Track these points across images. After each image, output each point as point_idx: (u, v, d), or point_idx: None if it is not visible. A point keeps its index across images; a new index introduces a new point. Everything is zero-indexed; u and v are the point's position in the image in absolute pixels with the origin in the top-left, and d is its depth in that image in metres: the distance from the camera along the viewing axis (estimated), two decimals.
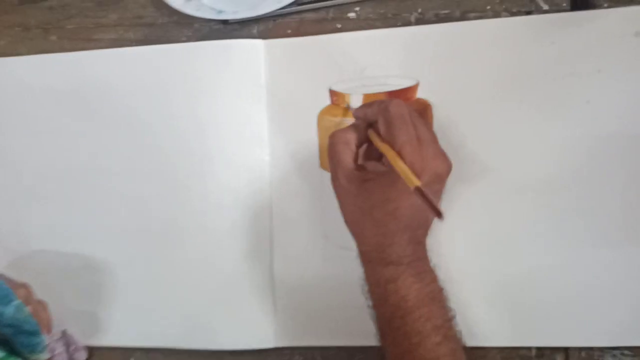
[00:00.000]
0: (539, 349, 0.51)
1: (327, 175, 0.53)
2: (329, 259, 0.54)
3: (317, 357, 0.54)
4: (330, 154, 0.47)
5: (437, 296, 0.45)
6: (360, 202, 0.45)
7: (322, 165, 0.54)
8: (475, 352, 0.51)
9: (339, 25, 0.55)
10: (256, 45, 0.55)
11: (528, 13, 0.52)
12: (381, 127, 0.44)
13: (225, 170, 0.55)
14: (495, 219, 0.52)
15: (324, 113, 0.54)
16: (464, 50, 0.52)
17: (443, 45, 0.52)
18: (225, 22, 0.56)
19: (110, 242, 0.57)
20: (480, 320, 0.51)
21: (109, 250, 0.57)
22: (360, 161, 0.47)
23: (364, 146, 0.47)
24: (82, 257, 0.57)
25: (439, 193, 0.46)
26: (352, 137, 0.46)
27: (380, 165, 0.47)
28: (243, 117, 0.55)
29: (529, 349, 0.52)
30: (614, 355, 0.51)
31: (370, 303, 0.47)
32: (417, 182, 0.39)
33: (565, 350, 0.51)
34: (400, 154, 0.42)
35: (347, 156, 0.46)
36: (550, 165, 0.51)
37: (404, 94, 0.53)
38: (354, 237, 0.47)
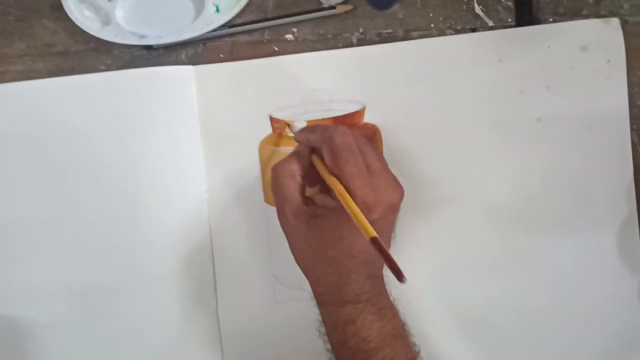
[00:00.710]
0: None
1: (272, 210, 0.50)
2: (280, 301, 0.50)
3: None
4: (274, 189, 0.43)
5: (399, 333, 0.42)
6: (311, 240, 0.42)
7: (267, 200, 0.50)
8: None
9: (276, 48, 0.51)
10: (186, 72, 0.50)
11: (473, 30, 0.50)
12: (326, 157, 0.41)
13: (160, 211, 0.50)
14: (453, 247, 0.50)
15: (265, 142, 0.50)
16: (410, 71, 0.50)
17: (388, 66, 0.50)
18: (149, 47, 0.51)
19: (34, 301, 0.50)
20: (443, 352, 0.49)
21: (33, 310, 0.50)
22: (307, 192, 0.43)
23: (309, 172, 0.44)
24: (2, 319, 0.50)
25: (392, 224, 0.43)
26: (296, 169, 0.42)
27: (330, 200, 0.43)
28: (176, 152, 0.50)
29: None
30: None
31: (329, 347, 0.44)
32: (372, 233, 0.36)
33: None
34: (349, 189, 0.39)
35: (294, 190, 0.42)
36: (504, 187, 0.50)
37: (351, 119, 0.50)
38: (307, 277, 0.44)
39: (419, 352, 0.43)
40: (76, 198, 0.50)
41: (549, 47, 0.49)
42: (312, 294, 0.44)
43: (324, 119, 0.49)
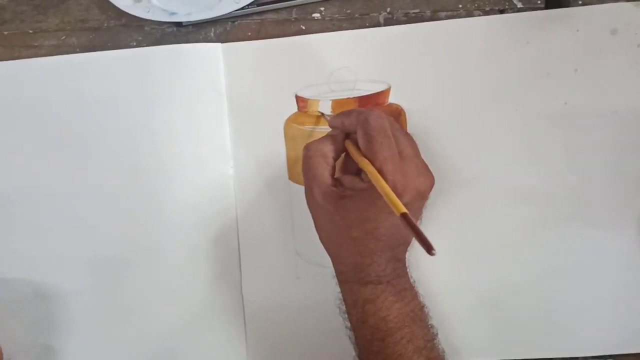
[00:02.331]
0: None
1: (296, 187, 0.51)
2: (302, 277, 0.51)
3: None
4: (305, 168, 0.43)
5: (418, 315, 0.43)
6: (337, 220, 0.42)
7: (291, 177, 0.51)
8: None
9: (303, 27, 0.51)
10: (214, 50, 0.51)
11: (502, 11, 0.50)
12: (360, 140, 0.41)
13: (184, 188, 0.51)
14: (474, 230, 0.50)
15: (290, 121, 0.51)
16: (436, 52, 0.50)
17: (414, 46, 0.50)
18: (179, 24, 0.52)
19: (61, 270, 0.52)
20: (460, 334, 0.49)
21: (60, 278, 0.52)
22: (337, 174, 0.44)
23: (341, 157, 0.44)
24: (31, 286, 0.52)
25: (420, 210, 0.44)
26: (329, 150, 0.43)
27: (359, 181, 0.44)
28: (203, 129, 0.51)
29: None
30: None
31: (348, 325, 0.44)
32: (402, 209, 0.36)
33: None
34: (381, 172, 0.39)
35: (324, 170, 0.42)
36: (528, 171, 0.50)
37: (375, 99, 0.50)
38: (330, 256, 0.44)
39: (436, 334, 0.44)
40: (103, 171, 0.51)
41: (577, 30, 0.49)
42: (333, 272, 0.44)
43: (348, 99, 0.50)
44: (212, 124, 0.51)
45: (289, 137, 0.51)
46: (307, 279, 0.51)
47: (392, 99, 0.50)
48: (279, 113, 0.51)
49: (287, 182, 0.51)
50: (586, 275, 0.49)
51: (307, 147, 0.43)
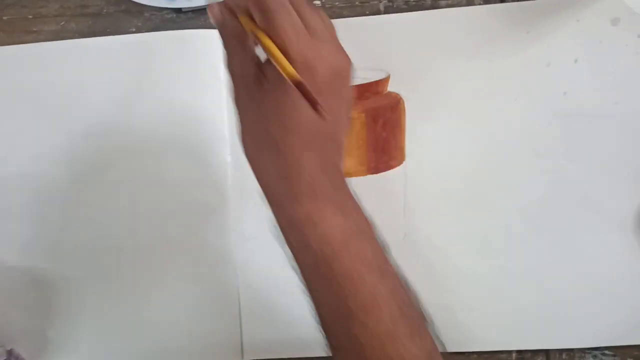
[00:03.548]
0: (519, 352, 0.50)
1: None
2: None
3: None
4: (228, 62, 0.37)
5: (365, 230, 0.37)
6: (254, 117, 0.37)
7: None
8: (455, 357, 0.49)
9: None
10: (213, 35, 0.51)
11: (502, 0, 0.50)
12: (255, 14, 0.35)
13: (182, 174, 0.51)
14: (473, 220, 0.50)
15: None
16: (436, 41, 0.50)
17: (414, 35, 0.50)
18: (178, 11, 0.52)
19: (59, 256, 0.52)
20: (460, 325, 0.49)
21: (58, 265, 0.52)
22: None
23: None
24: (29, 272, 0.52)
25: (340, 95, 0.37)
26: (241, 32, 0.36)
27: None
28: (202, 115, 0.51)
29: (509, 352, 0.50)
30: (595, 356, 0.50)
31: (290, 255, 0.39)
32: (294, 74, 0.32)
33: (546, 352, 0.50)
34: (282, 45, 0.33)
35: (244, 54, 0.37)
36: (529, 161, 0.49)
37: (375, 87, 0.50)
38: (255, 174, 0.38)
39: (387, 251, 0.38)
40: (102, 158, 0.52)
41: (578, 20, 0.48)
42: (262, 195, 0.38)
43: None
44: (211, 109, 0.51)
45: None
46: None
47: (391, 87, 0.50)
48: None
49: None
50: (583, 267, 0.49)
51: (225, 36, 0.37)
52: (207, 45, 0.51)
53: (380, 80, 0.50)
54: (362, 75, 0.50)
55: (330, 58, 0.35)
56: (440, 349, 0.39)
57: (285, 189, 0.36)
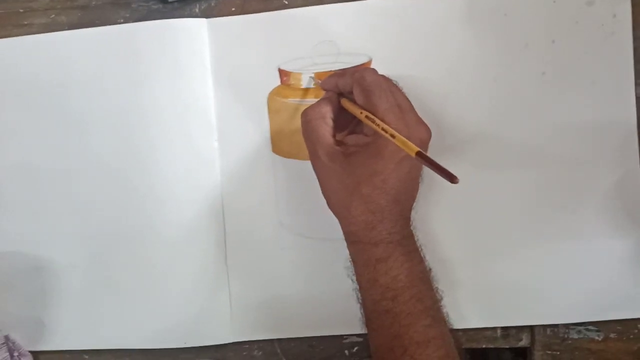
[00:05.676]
0: (504, 328, 0.51)
1: (279, 160, 0.52)
2: (285, 248, 0.52)
3: (276, 350, 0.52)
4: (306, 133, 0.44)
5: (426, 277, 0.44)
6: (345, 179, 0.43)
7: (275, 150, 0.52)
8: None
9: (285, 2, 0.52)
10: (199, 25, 0.52)
11: None
12: (358, 96, 0.43)
13: (171, 161, 0.52)
14: (459, 200, 0.51)
15: (274, 94, 0.52)
16: (417, 24, 0.50)
17: (395, 19, 0.51)
18: (164, 1, 0.53)
19: (54, 244, 0.53)
20: (445, 303, 0.49)
21: (52, 252, 0.53)
22: (337, 137, 0.46)
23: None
24: (25, 260, 0.54)
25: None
26: (327, 111, 0.44)
27: (362, 137, 0.45)
28: (188, 103, 0.52)
29: (494, 329, 0.51)
30: (579, 331, 0.50)
31: (357, 286, 0.45)
32: (415, 148, 0.38)
33: (531, 328, 0.51)
34: (384, 123, 0.41)
35: (325, 132, 0.44)
36: (508, 140, 0.50)
37: None
38: (339, 218, 0.45)
39: (442, 299, 0.45)
40: (93, 146, 0.53)
41: (554, 2, 0.49)
42: (343, 234, 0.45)
43: (331, 71, 0.51)
44: (197, 98, 0.52)
45: (272, 110, 0.52)
46: (289, 249, 0.52)
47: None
48: (263, 87, 0.52)
49: (271, 155, 0.52)
50: (566, 245, 0.50)
51: (305, 113, 0.45)
52: (193, 34, 0.52)
53: (362, 64, 0.51)
54: (345, 59, 0.51)
55: (417, 130, 0.42)
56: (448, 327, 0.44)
57: (368, 234, 0.43)
